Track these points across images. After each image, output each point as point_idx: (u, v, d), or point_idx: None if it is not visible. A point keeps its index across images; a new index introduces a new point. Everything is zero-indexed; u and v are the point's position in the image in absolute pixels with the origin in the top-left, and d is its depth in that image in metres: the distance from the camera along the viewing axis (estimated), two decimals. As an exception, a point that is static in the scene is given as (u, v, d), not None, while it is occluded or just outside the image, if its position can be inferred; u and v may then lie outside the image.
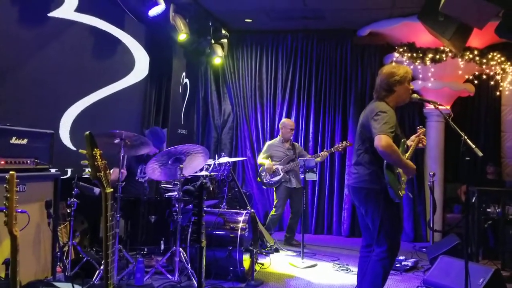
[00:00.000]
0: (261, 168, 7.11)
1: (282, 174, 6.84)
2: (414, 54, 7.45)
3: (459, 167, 7.76)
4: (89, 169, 2.42)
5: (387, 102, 3.78)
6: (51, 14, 4.98)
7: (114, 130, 4.46)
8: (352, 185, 3.87)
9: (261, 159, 7.08)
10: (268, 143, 7.37)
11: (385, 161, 3.59)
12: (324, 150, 7.09)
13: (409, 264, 5.82)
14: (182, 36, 6.57)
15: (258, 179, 7.21)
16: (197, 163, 5.00)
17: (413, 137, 4.08)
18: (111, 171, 5.12)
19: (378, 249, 3.76)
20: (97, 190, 4.78)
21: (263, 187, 7.24)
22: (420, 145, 4.03)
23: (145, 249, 4.77)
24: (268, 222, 7.05)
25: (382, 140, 3.48)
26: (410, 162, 3.72)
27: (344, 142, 6.81)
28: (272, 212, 7.04)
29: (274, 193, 7.04)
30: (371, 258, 3.80)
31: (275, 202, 7.02)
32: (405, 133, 8.28)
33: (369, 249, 3.92)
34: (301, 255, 5.91)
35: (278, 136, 7.21)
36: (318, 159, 6.75)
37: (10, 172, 2.35)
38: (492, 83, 7.89)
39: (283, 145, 7.06)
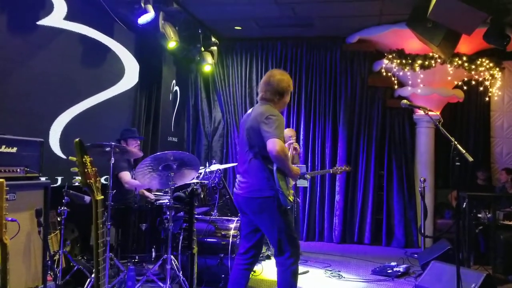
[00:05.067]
0: None
1: None
2: (403, 61, 7.50)
3: (450, 173, 7.76)
4: (79, 177, 2.40)
5: (274, 106, 3.74)
6: (40, 23, 4.96)
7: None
8: (243, 195, 3.68)
9: None
10: None
11: (275, 166, 3.51)
12: (321, 170, 6.98)
13: (401, 270, 5.83)
14: (172, 44, 6.55)
15: None
16: (188, 176, 4.94)
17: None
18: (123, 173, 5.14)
19: (281, 258, 3.61)
20: (87, 198, 4.75)
21: None
22: (294, 152, 4.02)
23: (136, 257, 4.72)
24: None
25: (276, 145, 3.40)
26: (294, 167, 3.69)
27: (344, 166, 6.62)
28: None
29: None
30: (278, 269, 3.64)
31: None
32: (395, 139, 8.30)
33: (245, 257, 3.77)
34: (293, 262, 5.90)
35: None
36: (308, 176, 6.73)
37: (0, 180, 2.33)
38: (481, 89, 7.96)
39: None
